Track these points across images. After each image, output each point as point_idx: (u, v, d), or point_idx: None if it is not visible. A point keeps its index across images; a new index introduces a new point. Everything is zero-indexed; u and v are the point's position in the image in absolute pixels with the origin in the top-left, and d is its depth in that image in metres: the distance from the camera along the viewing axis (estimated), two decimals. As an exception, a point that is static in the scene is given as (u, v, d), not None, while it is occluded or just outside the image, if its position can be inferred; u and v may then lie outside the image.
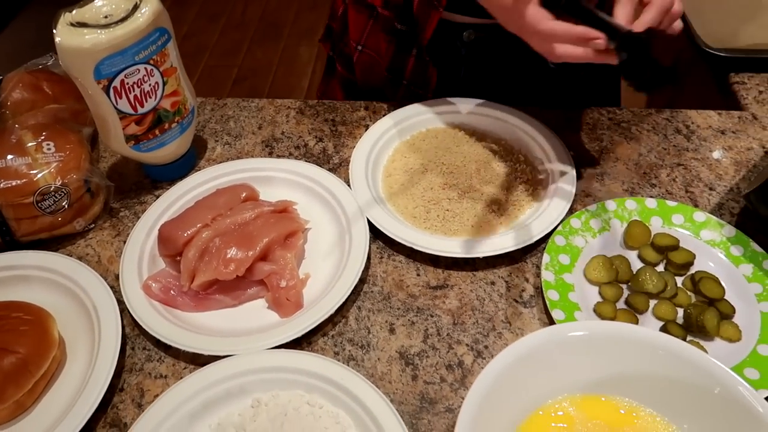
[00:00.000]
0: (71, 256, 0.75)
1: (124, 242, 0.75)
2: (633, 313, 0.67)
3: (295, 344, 0.65)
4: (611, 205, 0.76)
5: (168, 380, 0.65)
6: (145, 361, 0.66)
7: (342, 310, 0.69)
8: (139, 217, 0.78)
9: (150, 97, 0.76)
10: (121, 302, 0.68)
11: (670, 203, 0.76)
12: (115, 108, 0.74)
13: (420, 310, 0.69)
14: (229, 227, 0.72)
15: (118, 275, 0.71)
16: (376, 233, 0.75)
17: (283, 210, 0.75)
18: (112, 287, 0.70)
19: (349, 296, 0.68)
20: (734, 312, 0.66)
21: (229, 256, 0.68)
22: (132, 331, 0.69)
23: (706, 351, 0.63)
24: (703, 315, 0.64)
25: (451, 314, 0.69)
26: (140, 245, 0.74)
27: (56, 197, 0.73)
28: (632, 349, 0.55)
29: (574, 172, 0.79)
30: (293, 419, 0.59)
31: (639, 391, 0.56)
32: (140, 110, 0.76)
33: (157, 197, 0.80)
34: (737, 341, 0.64)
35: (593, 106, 0.92)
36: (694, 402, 0.53)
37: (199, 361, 0.65)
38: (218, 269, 0.67)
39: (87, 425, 0.59)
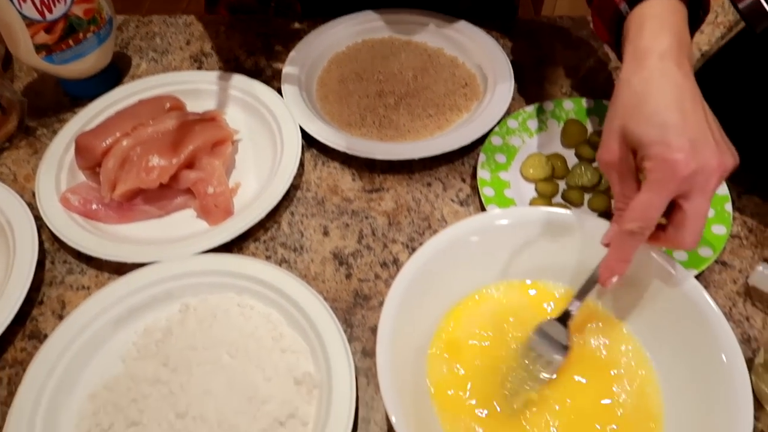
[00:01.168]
0: (-16, 174, 0.70)
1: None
2: (568, 206, 0.67)
3: (225, 250, 0.63)
4: (548, 105, 0.75)
5: (90, 291, 0.62)
6: (66, 273, 0.63)
7: (274, 216, 0.67)
8: (57, 134, 0.73)
9: (59, 2, 0.70)
10: (39, 219, 0.65)
11: (606, 102, 0.75)
12: (20, 13, 0.69)
13: (355, 212, 0.67)
14: (152, 136, 0.68)
15: (35, 193, 0.67)
16: (310, 142, 0.72)
17: (211, 119, 0.72)
18: (29, 204, 0.66)
19: (281, 202, 0.66)
20: (666, 201, 0.66)
21: (151, 163, 0.65)
22: (52, 246, 0.65)
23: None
24: (635, 203, 0.64)
25: (387, 215, 0.67)
26: (58, 159, 0.70)
27: (-40, 109, 0.68)
28: (559, 234, 0.55)
29: (511, 76, 0.77)
30: (222, 321, 0.57)
31: (565, 276, 0.56)
32: (48, 16, 0.70)
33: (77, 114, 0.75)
34: (668, 227, 0.65)
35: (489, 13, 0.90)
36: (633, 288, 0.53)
37: (124, 270, 0.62)
38: (140, 177, 0.64)
39: (4, 338, 0.56)
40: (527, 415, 0.49)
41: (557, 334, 0.51)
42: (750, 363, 0.53)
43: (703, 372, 0.47)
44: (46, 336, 0.58)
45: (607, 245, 0.49)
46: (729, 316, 0.58)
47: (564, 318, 0.52)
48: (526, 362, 0.51)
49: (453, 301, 0.56)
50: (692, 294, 0.49)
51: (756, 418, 0.50)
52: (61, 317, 0.60)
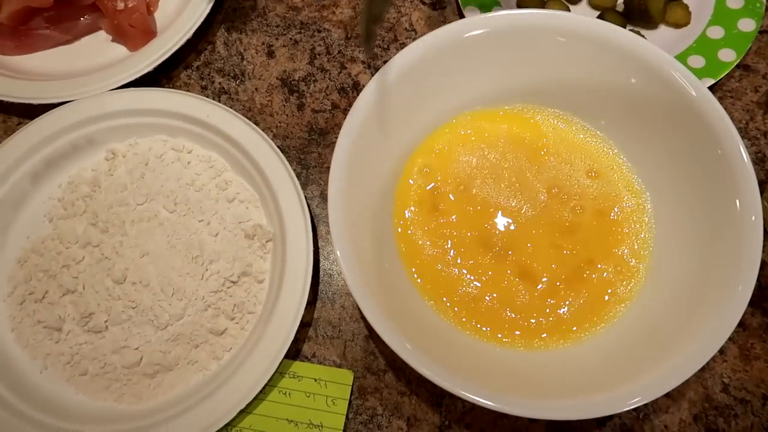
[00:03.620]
0: None
1: None
2: (564, 3, 0.55)
3: (152, 82, 0.53)
4: None
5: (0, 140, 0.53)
6: (-32, 120, 0.54)
7: (206, 35, 0.55)
8: None
9: None
10: None
11: None
12: None
13: (305, 25, 0.55)
14: (36, -66, 0.53)
15: None
16: (242, -70, 0.57)
17: None
18: None
19: (213, 15, 0.53)
20: (685, -10, 0.54)
21: (39, -27, 0.51)
22: (-55, 86, 0.55)
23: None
24: (647, -4, 0.52)
25: (344, 27, 0.55)
26: (-74, -27, 0.55)
27: None
28: (548, 45, 0.44)
29: None
30: (157, 168, 0.50)
31: (554, 97, 0.47)
32: None
33: None
34: (685, 26, 0.53)
35: None
36: (618, 97, 0.44)
37: (36, 114, 0.52)
38: (27, -8, 0.51)
39: None
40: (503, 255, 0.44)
41: None
42: (762, 186, 0.46)
43: (707, 199, 0.40)
44: (-42, 195, 0.51)
45: None
46: (744, 131, 0.50)
47: None
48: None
49: (421, 132, 0.47)
50: (702, 108, 0.39)
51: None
52: (-29, 173, 0.52)
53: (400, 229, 0.45)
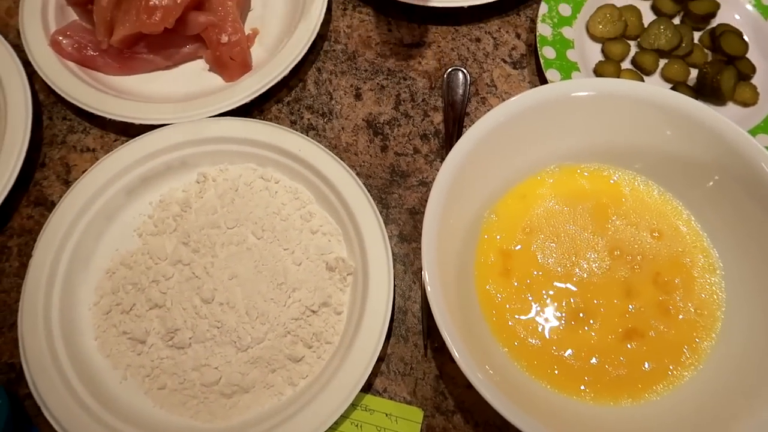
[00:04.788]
0: (-43, 6, 0.60)
1: (23, -11, 0.59)
2: (638, 73, 0.58)
3: (244, 112, 0.55)
4: (627, -59, 0.61)
5: (97, 154, 0.55)
6: (68, 132, 0.56)
7: (299, 73, 0.58)
8: (37, -43, 0.61)
9: None
10: (28, 64, 0.56)
11: (698, -60, 0.61)
12: None
13: (391, 71, 0.58)
14: (150, -34, 0.56)
15: (19, 31, 0.57)
16: (338, -22, 0.60)
17: (220, -54, 0.59)
18: (15, 46, 0.57)
19: (306, 55, 0.56)
20: (754, 72, 0.57)
21: (152, 2, 0.54)
22: (47, 98, 0.58)
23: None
24: (720, 74, 0.55)
25: (428, 77, 0.58)
26: (41, -9, 0.59)
27: None
28: (643, 113, 0.47)
29: None
30: (245, 194, 0.52)
31: (636, 160, 0.49)
32: None
33: (57, -70, 0.62)
34: (752, 105, 0.56)
35: None
36: (699, 172, 0.46)
37: (132, 132, 0.55)
38: (140, 19, 0.54)
39: (8, 204, 0.52)
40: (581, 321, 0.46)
41: None
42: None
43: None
44: (53, 203, 0.53)
45: None
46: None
47: None
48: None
49: (505, 184, 0.50)
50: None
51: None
52: (66, 182, 0.54)
53: (479, 278, 0.47)
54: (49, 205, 0.53)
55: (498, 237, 0.49)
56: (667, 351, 0.45)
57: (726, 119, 0.44)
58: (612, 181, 0.51)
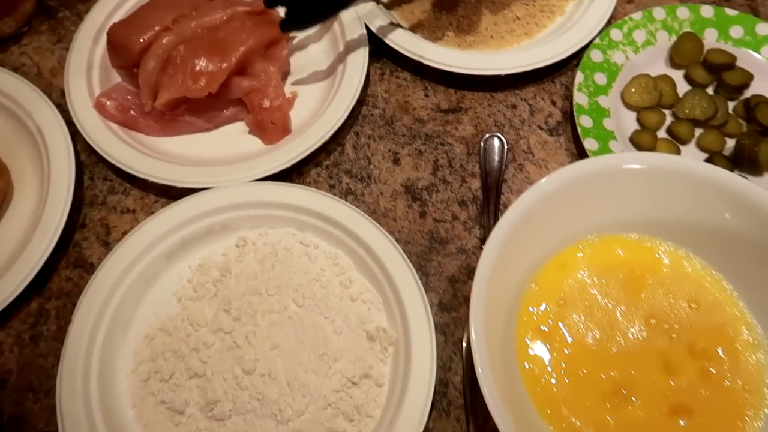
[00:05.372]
0: (4, 67, 0.61)
1: (68, 50, 0.61)
2: (675, 143, 0.58)
3: (284, 176, 0.56)
4: (659, 13, 0.63)
5: (137, 215, 0.56)
6: (108, 193, 0.57)
7: (337, 137, 0.58)
8: (83, 19, 0.63)
9: None
10: (71, 124, 0.57)
11: (730, 12, 0.63)
12: None
13: (429, 137, 0.59)
14: (195, 32, 0.58)
15: (64, 91, 0.59)
16: (375, 44, 0.61)
17: (262, 12, 0.61)
18: (58, 105, 0.57)
19: (345, 120, 0.57)
20: (790, 143, 0.57)
21: (198, 68, 0.55)
22: (88, 158, 0.58)
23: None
24: (757, 146, 0.55)
25: (465, 143, 0.59)
26: (87, 53, 0.60)
27: (-31, -12, 0.57)
28: (699, 192, 0.47)
29: (617, -30, 0.64)
30: (285, 260, 0.52)
31: (683, 235, 0.49)
32: None
33: (103, -7, 0.64)
34: (790, 176, 0.56)
35: None
36: (748, 249, 0.46)
37: (172, 194, 0.56)
38: (186, 84, 0.55)
39: (47, 266, 0.51)
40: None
41: None
42: None
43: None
44: (92, 265, 0.53)
45: None
46: None
47: None
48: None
49: (546, 253, 0.50)
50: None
51: None
52: (106, 243, 0.54)
53: (520, 353, 0.46)
54: (88, 267, 0.53)
55: (534, 309, 0.48)
56: (720, 428, 0.44)
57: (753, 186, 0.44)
58: (655, 255, 0.50)
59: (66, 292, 0.52)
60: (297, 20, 0.56)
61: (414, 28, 0.63)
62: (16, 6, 0.63)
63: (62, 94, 0.59)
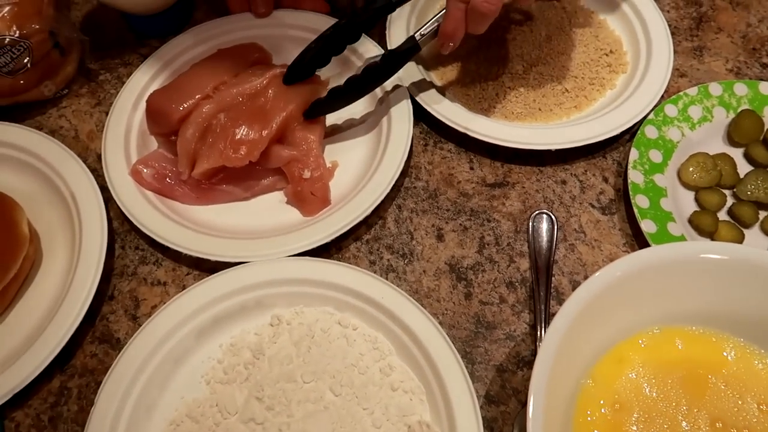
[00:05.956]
0: (41, 129, 0.60)
1: (106, 113, 0.60)
2: (737, 226, 0.55)
3: (322, 250, 0.53)
4: (716, 89, 0.60)
5: (167, 288, 0.53)
6: (139, 263, 0.54)
7: (379, 210, 0.56)
8: (123, 82, 0.62)
9: None
10: (105, 190, 0.55)
11: (792, 89, 0.60)
12: (82, -67, 0.56)
13: (474, 212, 0.56)
14: (236, 99, 0.56)
15: (100, 155, 0.57)
16: (418, 114, 0.60)
17: (304, 79, 0.59)
18: (93, 170, 0.56)
19: (387, 192, 0.55)
20: None
21: (238, 137, 0.54)
22: (121, 226, 0.56)
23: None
24: (829, 233, 0.52)
25: (513, 219, 0.56)
26: (126, 119, 0.59)
27: (14, 53, 0.57)
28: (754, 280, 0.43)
29: (670, 45, 0.62)
30: (321, 342, 0.49)
31: (757, 331, 0.45)
32: (116, -62, 0.57)
33: (144, 57, 0.63)
34: None
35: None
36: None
37: (205, 266, 0.53)
38: (226, 154, 0.53)
39: (72, 340, 0.49)
40: None
41: None
42: None
43: None
44: (118, 340, 0.51)
45: None
46: None
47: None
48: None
49: (605, 345, 0.46)
50: None
51: None
52: (134, 318, 0.52)
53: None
54: (114, 343, 0.51)
55: (589, 412, 0.44)
56: None
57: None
58: (722, 351, 0.46)
59: (90, 370, 0.49)
60: (319, 106, 0.57)
61: (459, 98, 0.62)
62: (58, 69, 0.62)
63: (98, 158, 0.58)
